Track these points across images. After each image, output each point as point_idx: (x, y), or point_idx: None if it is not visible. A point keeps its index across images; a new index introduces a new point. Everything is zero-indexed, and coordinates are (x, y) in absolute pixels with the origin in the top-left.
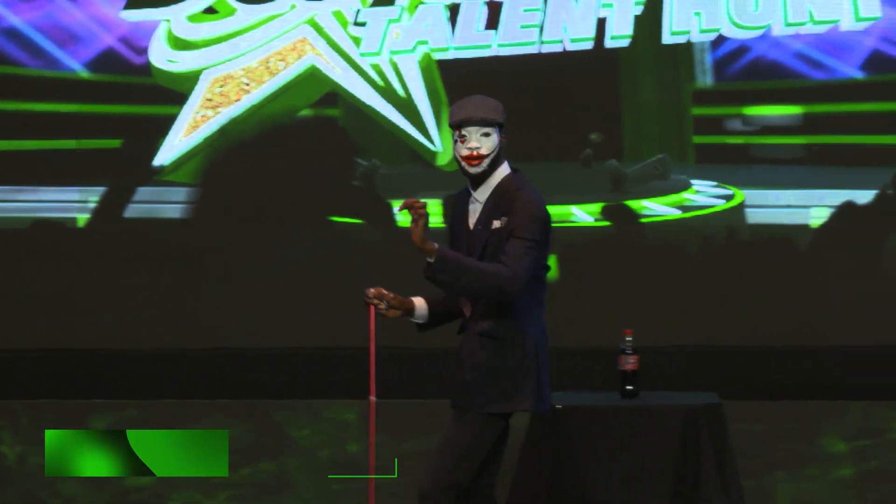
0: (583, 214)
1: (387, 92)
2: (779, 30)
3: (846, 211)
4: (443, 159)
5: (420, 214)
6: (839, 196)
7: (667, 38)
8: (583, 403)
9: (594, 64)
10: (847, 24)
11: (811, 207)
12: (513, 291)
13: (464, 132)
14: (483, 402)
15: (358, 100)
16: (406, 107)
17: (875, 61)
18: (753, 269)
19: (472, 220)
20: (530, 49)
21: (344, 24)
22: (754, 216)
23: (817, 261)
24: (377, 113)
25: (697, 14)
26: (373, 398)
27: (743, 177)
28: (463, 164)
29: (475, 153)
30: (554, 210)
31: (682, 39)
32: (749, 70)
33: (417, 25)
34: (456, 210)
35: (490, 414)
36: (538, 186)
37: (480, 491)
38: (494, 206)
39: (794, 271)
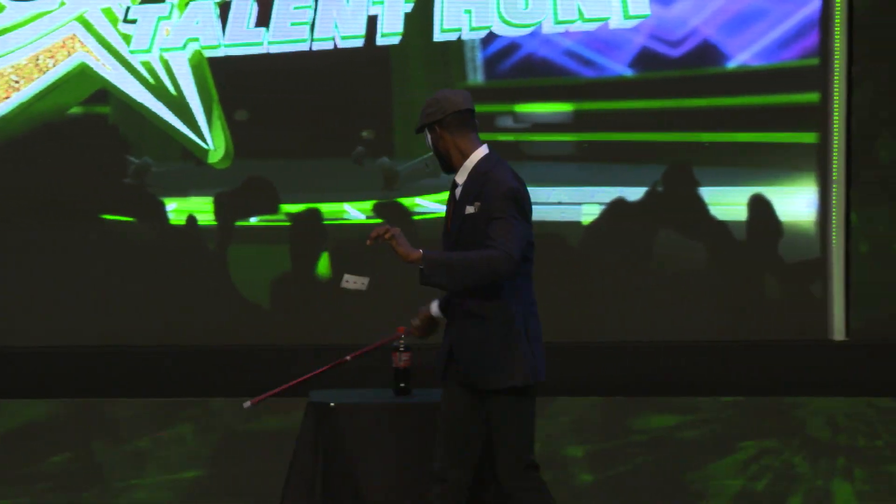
0: (356, 212)
1: (158, 90)
2: (549, 27)
3: (617, 208)
4: (214, 157)
5: (389, 238)
6: (610, 193)
7: (437, 36)
8: (355, 401)
9: (365, 62)
10: (616, 21)
11: (582, 205)
12: (508, 271)
13: None
14: (476, 379)
15: (129, 97)
16: (177, 105)
17: (644, 59)
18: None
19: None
20: (301, 47)
21: (114, 21)
22: None
23: (589, 257)
24: (148, 111)
25: (468, 12)
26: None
27: None
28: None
29: None
30: (326, 208)
31: (452, 37)
32: (520, 67)
33: (188, 23)
34: (451, 190)
35: (485, 391)
36: (310, 184)
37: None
38: (467, 188)
39: (566, 268)
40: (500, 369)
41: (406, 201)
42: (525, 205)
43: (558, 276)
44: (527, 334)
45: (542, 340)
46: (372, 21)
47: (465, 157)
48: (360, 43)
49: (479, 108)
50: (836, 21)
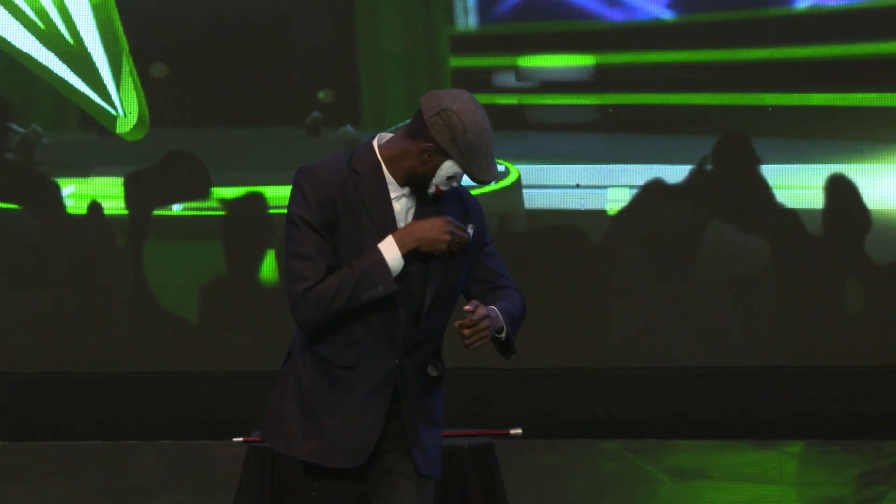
0: None
1: (49, 37)
2: None
3: (652, 192)
4: (124, 125)
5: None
6: (643, 172)
7: None
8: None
9: (323, 3)
10: None
11: (607, 188)
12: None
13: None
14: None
15: (11, 46)
16: (75, 57)
17: None
18: (533, 268)
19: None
20: None
21: None
22: (533, 199)
23: (615, 258)
24: (37, 64)
25: None
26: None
27: (517, 147)
28: (431, 189)
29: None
30: (271, 192)
31: None
32: (523, 8)
33: None
34: (367, 200)
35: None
36: (248, 161)
37: None
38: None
39: (582, 271)
40: (267, 427)
41: None
42: None
43: (576, 284)
44: (298, 390)
45: None
46: None
47: None
48: None
49: (472, 61)
50: None
